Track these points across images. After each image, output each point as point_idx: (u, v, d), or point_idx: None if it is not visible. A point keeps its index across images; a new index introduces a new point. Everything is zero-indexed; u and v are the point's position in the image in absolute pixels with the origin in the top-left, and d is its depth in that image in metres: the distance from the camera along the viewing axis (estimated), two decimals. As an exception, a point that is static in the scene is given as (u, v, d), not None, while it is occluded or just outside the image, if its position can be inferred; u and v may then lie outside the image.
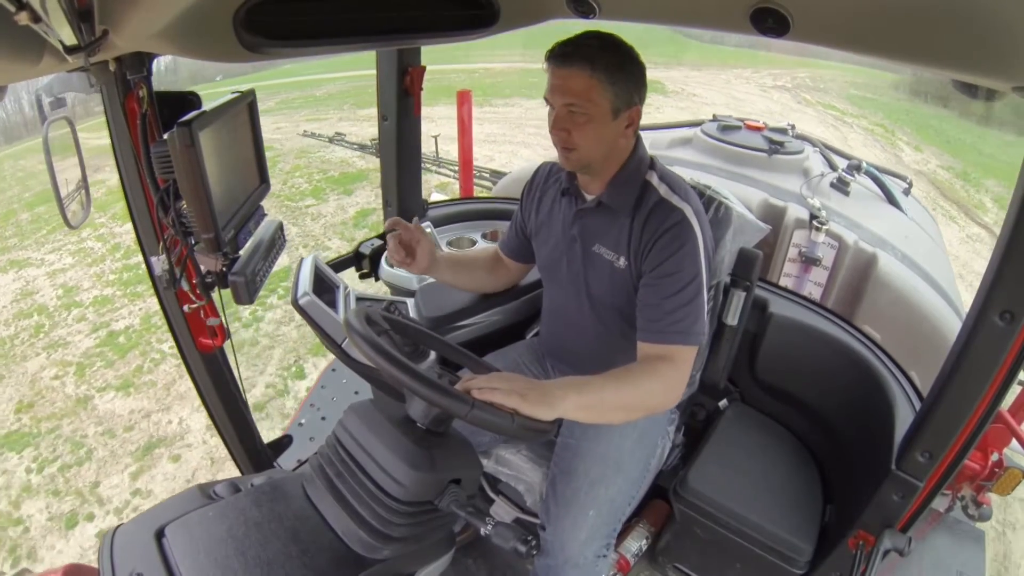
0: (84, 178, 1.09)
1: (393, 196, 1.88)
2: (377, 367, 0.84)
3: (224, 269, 1.09)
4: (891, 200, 3.14)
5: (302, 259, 1.48)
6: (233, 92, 1.09)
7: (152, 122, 1.02)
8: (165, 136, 0.93)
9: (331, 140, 8.12)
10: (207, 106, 1.01)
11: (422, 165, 1.99)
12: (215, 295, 1.18)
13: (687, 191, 1.20)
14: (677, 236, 1.12)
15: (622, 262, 1.21)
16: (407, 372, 0.82)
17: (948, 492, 1.82)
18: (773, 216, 2.71)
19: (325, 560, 0.81)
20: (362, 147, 7.75)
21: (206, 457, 3.49)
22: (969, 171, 9.20)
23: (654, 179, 1.20)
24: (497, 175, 6.15)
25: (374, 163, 8.14)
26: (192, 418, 3.80)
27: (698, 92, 12.20)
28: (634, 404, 1.06)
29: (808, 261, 2.67)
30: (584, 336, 1.34)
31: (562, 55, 1.08)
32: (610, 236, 1.22)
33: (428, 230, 1.82)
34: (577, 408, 0.96)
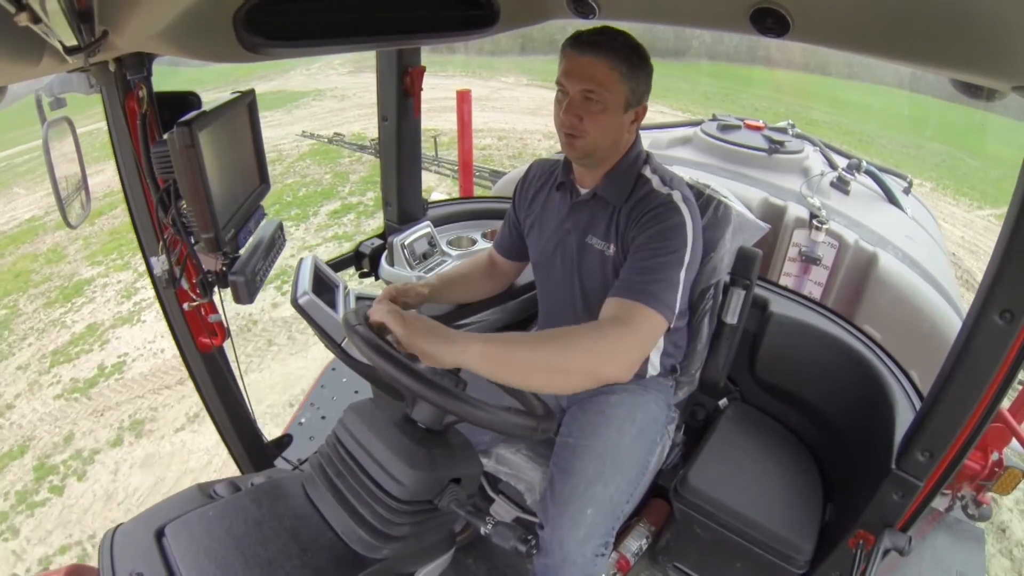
0: (84, 178, 1.09)
1: (393, 196, 1.88)
2: (377, 366, 0.84)
3: (224, 268, 1.09)
4: (891, 199, 3.14)
5: (301, 259, 1.48)
6: (233, 93, 1.10)
7: (152, 122, 1.02)
8: (165, 136, 0.93)
9: (330, 141, 8.24)
10: (207, 106, 1.01)
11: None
12: (215, 294, 1.18)
13: (678, 181, 1.22)
14: (660, 213, 1.13)
15: (611, 250, 1.22)
16: (408, 372, 0.82)
17: (948, 492, 1.81)
18: (773, 215, 2.71)
19: (325, 559, 0.81)
20: (361, 148, 7.80)
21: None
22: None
23: (647, 172, 1.22)
24: (496, 175, 6.15)
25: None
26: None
27: (339, 85, 12.94)
28: (561, 367, 0.92)
29: (808, 260, 2.67)
30: None
31: (589, 42, 1.09)
32: (602, 227, 1.24)
33: (427, 230, 1.82)
34: (482, 357, 0.86)
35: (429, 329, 0.86)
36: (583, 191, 1.27)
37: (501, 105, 11.32)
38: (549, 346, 0.92)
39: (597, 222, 1.25)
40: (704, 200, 1.38)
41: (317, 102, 11.80)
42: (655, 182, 1.20)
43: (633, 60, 1.11)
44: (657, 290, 1.05)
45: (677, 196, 1.16)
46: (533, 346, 0.91)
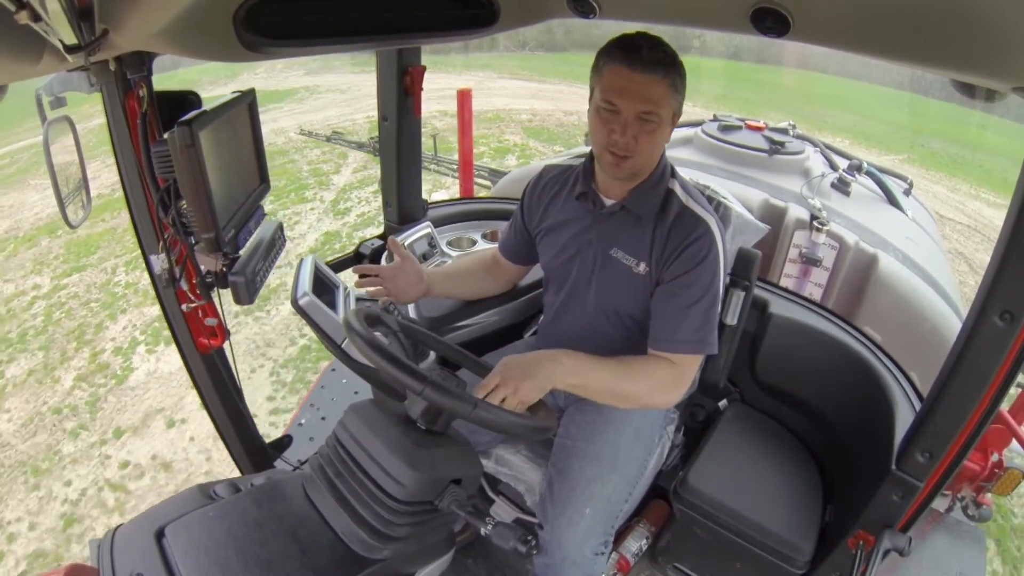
0: (84, 178, 1.09)
1: (393, 196, 1.88)
2: (377, 367, 0.84)
3: (224, 269, 1.09)
4: (892, 200, 3.14)
5: (301, 259, 1.48)
6: (234, 93, 1.10)
7: (152, 122, 1.02)
8: (165, 136, 0.93)
9: (328, 139, 8.31)
10: (207, 106, 1.01)
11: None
12: (215, 295, 1.18)
13: (704, 200, 1.23)
14: (703, 248, 1.14)
15: (642, 268, 1.21)
16: (408, 372, 0.82)
17: (948, 492, 1.81)
18: (773, 217, 2.71)
19: (325, 560, 0.81)
20: (360, 146, 7.85)
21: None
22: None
23: (676, 187, 1.22)
24: (496, 174, 6.16)
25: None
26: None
27: (316, 83, 13.41)
28: (626, 395, 1.13)
29: (809, 262, 2.67)
30: (587, 339, 1.33)
31: (648, 60, 1.03)
32: (631, 241, 1.22)
33: (427, 230, 1.82)
34: (568, 372, 1.05)
35: (521, 369, 1.01)
36: (608, 202, 1.24)
37: (497, 92, 12.03)
38: (613, 376, 1.11)
39: (625, 236, 1.23)
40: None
41: (317, 96, 12.24)
42: (684, 198, 1.20)
43: (681, 70, 1.07)
44: (702, 335, 1.15)
45: (713, 223, 1.16)
46: (603, 371, 1.10)
